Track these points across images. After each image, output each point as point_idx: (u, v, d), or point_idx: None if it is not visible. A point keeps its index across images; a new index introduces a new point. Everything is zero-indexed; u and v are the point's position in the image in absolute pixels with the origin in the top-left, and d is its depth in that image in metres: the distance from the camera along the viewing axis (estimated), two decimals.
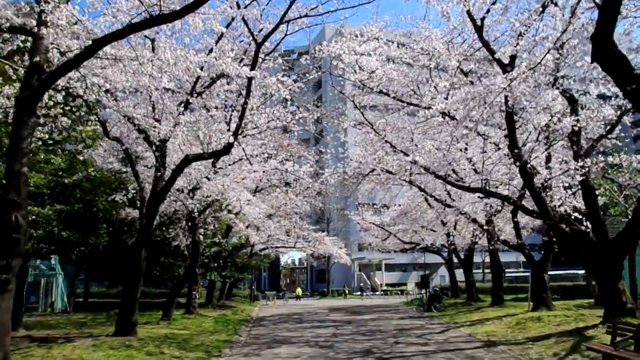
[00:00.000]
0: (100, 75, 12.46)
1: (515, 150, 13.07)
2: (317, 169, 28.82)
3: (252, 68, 13.00)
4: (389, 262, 68.42)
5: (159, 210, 17.50)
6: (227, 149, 14.67)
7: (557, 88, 13.69)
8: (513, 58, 11.57)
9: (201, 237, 23.58)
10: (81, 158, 17.53)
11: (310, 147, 36.80)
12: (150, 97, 14.47)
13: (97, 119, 14.96)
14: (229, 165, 19.94)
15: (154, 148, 15.30)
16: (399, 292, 56.26)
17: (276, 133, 24.43)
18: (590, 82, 14.32)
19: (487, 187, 16.68)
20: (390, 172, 22.20)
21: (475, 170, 19.55)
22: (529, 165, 13.76)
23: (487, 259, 48.02)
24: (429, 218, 31.02)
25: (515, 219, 21.12)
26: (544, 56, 8.82)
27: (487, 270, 54.19)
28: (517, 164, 13.02)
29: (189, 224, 22.78)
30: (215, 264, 30.28)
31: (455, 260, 37.28)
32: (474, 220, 22.51)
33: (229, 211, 24.99)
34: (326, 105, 35.70)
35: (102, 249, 22.86)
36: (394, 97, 19.22)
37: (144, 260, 15.78)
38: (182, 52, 11.97)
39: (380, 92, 19.00)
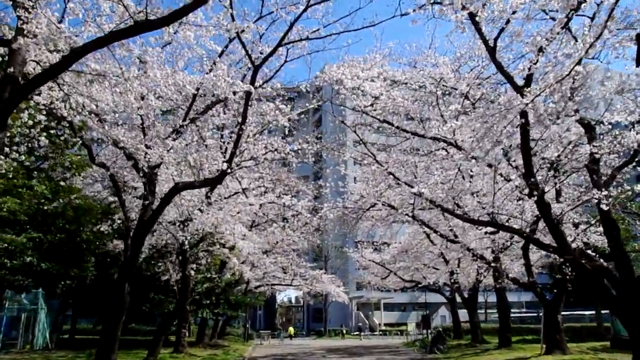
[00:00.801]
0: (85, 95, 11.65)
1: (532, 180, 12.08)
2: (316, 205, 27.95)
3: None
4: (388, 302, 66.99)
5: (147, 242, 16.43)
6: (220, 177, 13.73)
7: (573, 115, 12.83)
8: (529, 78, 10.72)
9: (192, 272, 22.40)
10: (62, 184, 16.42)
11: (309, 182, 36.05)
12: (142, 121, 13.60)
13: (81, 142, 13.98)
14: (225, 198, 19.04)
15: (141, 174, 14.33)
16: (399, 333, 54.74)
17: (274, 166, 23.68)
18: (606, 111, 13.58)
19: (496, 221, 15.62)
20: (392, 207, 21.23)
21: (480, 204, 18.55)
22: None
23: (490, 299, 46.67)
24: (431, 256, 30.02)
25: (527, 255, 20.04)
26: (573, 67, 7.95)
27: (489, 311, 52.77)
28: (534, 193, 12.00)
29: (180, 257, 21.64)
30: (208, 301, 29.02)
31: (458, 299, 35.95)
32: (481, 257, 21.38)
33: (223, 245, 23.97)
34: (326, 136, 35.13)
35: (89, 284, 21.71)
36: (397, 127, 18.39)
37: (128, 295, 14.59)
38: (171, 70, 11.23)
39: (384, 121, 18.17)
